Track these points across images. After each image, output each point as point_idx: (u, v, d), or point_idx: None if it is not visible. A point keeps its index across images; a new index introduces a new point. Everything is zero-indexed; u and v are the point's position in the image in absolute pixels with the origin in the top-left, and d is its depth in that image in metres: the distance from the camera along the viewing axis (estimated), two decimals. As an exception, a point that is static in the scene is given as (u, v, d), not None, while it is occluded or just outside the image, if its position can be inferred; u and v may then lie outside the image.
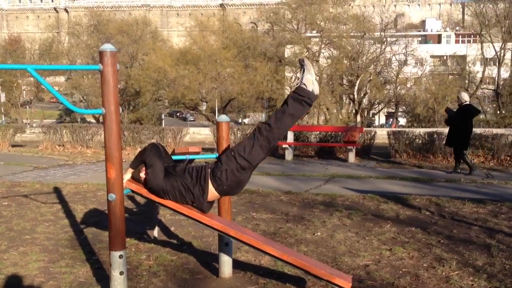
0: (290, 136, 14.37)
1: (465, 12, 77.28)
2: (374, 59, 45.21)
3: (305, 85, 3.79)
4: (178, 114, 74.43)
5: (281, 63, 47.41)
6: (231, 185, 3.96)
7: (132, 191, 4.17)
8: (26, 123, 46.09)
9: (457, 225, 6.34)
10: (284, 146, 14.30)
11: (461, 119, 11.05)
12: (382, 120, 60.08)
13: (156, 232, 5.76)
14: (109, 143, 3.70)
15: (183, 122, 60.00)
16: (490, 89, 48.33)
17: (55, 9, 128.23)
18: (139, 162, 4.15)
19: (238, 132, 16.25)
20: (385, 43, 45.85)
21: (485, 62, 46.36)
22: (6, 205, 7.77)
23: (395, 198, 8.00)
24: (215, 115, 46.94)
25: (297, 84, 3.86)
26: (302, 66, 3.84)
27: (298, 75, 3.87)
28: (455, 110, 11.64)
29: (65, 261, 5.00)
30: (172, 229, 6.27)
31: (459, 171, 11.03)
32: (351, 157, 13.43)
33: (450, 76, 49.53)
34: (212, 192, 4.01)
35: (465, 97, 11.33)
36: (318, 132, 15.71)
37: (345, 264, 4.89)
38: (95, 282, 4.45)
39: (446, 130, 12.05)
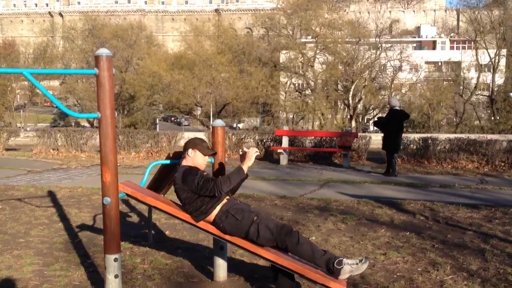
0: (285, 141, 14.38)
1: (460, 19, 77.75)
2: (369, 64, 45.34)
3: (343, 270, 3.74)
4: (172, 118, 74.31)
5: (276, 68, 47.47)
6: (227, 228, 4.00)
7: (127, 195, 4.17)
8: (20, 127, 45.95)
9: (452, 230, 6.36)
10: (279, 151, 14.31)
11: (389, 123, 11.52)
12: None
13: (150, 236, 5.76)
14: (104, 147, 3.70)
15: (178, 127, 59.93)
16: (484, 95, 48.52)
17: (49, 13, 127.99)
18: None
19: (233, 137, 16.25)
20: (380, 49, 45.98)
21: (480, 68, 46.56)
22: (0, 208, 7.74)
23: (389, 203, 8.03)
24: (209, 120, 46.94)
25: (338, 258, 3.79)
26: (361, 262, 3.75)
27: (351, 261, 3.77)
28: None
29: (60, 265, 4.99)
30: (167, 233, 6.26)
31: (396, 174, 11.40)
32: (346, 162, 13.45)
33: (445, 82, 49.71)
34: (213, 214, 4.05)
35: (393, 102, 11.95)
36: (313, 137, 15.74)
37: (340, 268, 4.89)
38: (90, 286, 4.44)
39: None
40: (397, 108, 11.69)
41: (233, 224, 3.95)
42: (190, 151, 4.21)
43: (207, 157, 4.26)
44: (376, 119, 12.72)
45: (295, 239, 3.84)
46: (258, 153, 4.04)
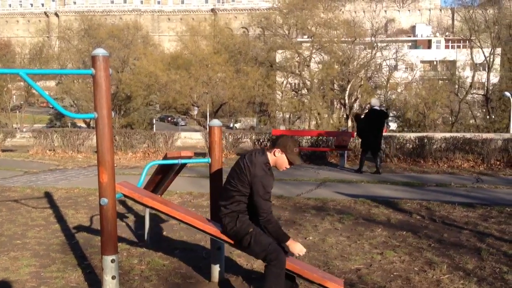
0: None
1: (455, 18, 77.89)
2: (365, 64, 45.33)
3: None
4: (169, 118, 74.22)
5: (272, 68, 47.41)
6: (228, 228, 3.98)
7: (124, 195, 4.17)
8: (16, 128, 45.80)
9: (448, 229, 6.38)
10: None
11: (368, 122, 11.75)
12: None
13: (147, 237, 5.75)
14: (101, 147, 3.70)
15: (175, 127, 59.88)
16: (479, 94, 48.62)
17: (45, 13, 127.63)
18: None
19: (230, 136, 16.25)
20: (376, 48, 45.99)
21: (475, 67, 46.64)
22: (-4, 210, 7.72)
23: (386, 202, 8.04)
24: (206, 119, 46.89)
25: None
26: None
27: None
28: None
29: (57, 266, 4.99)
30: (164, 233, 6.26)
31: (380, 171, 11.69)
32: (343, 161, 13.46)
33: (440, 81, 49.74)
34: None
35: (373, 102, 12.31)
36: (309, 137, 15.74)
37: (337, 268, 4.91)
38: (87, 287, 4.44)
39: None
40: (377, 107, 11.92)
41: (232, 228, 3.94)
42: (278, 151, 3.95)
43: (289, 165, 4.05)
44: (356, 113, 13.04)
45: (278, 269, 3.77)
46: (301, 254, 3.92)
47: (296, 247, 3.89)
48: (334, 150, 14.03)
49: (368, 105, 12.94)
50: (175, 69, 47.88)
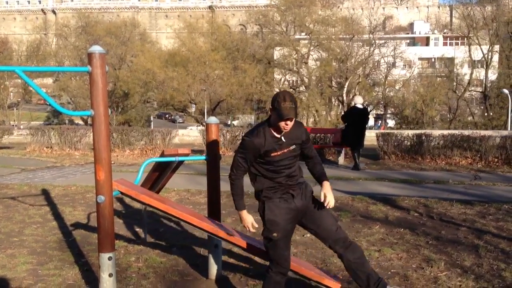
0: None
1: (453, 15, 77.66)
2: (363, 61, 45.38)
3: None
4: (167, 116, 74.25)
5: (270, 65, 47.46)
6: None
7: (121, 193, 4.16)
8: (13, 125, 45.77)
9: (445, 226, 6.38)
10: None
11: (349, 120, 11.91)
12: (371, 122, 60.25)
13: (145, 234, 5.74)
14: (98, 144, 3.69)
15: (172, 124, 59.85)
16: (477, 91, 48.65)
17: (42, 10, 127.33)
18: None
19: (228, 134, 16.23)
20: (374, 45, 46.02)
21: (473, 64, 46.66)
22: (-7, 207, 7.70)
23: (384, 199, 8.04)
24: (204, 117, 46.89)
25: None
26: None
27: None
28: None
29: (54, 263, 4.98)
30: (161, 231, 6.25)
31: (360, 167, 11.92)
32: (340, 158, 13.45)
33: (438, 79, 49.80)
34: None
35: (355, 99, 12.42)
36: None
37: (334, 265, 4.90)
38: (84, 284, 4.43)
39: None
40: (359, 105, 11.97)
41: (262, 214, 3.78)
42: (270, 110, 3.55)
43: (283, 122, 3.49)
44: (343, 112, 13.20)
45: (279, 276, 3.71)
46: (250, 229, 3.77)
47: (247, 219, 3.75)
48: (332, 147, 14.01)
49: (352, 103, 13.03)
50: (172, 66, 47.92)
